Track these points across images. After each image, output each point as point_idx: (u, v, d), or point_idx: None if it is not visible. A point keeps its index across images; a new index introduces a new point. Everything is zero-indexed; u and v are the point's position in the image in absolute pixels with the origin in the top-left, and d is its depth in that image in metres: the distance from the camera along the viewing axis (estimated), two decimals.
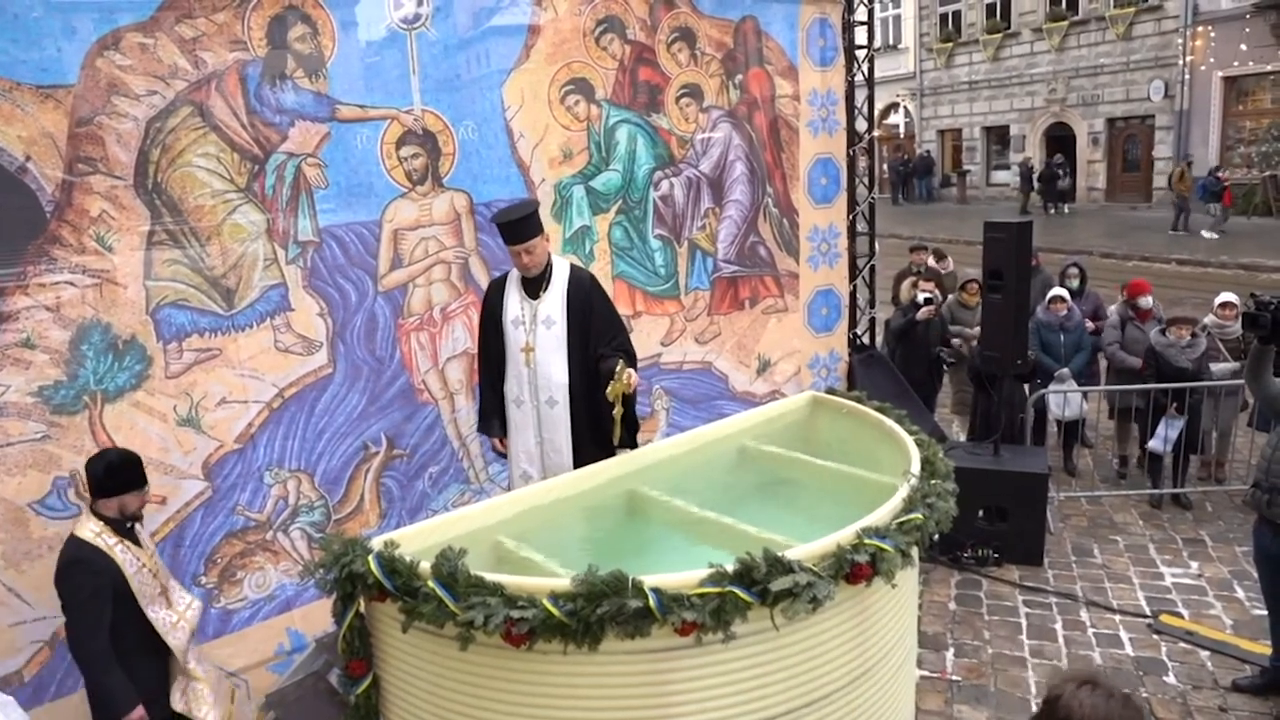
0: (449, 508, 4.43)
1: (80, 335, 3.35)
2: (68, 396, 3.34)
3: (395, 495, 4.31)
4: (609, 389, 3.36)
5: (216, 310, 3.69)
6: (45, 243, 3.26)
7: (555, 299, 3.67)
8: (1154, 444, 5.86)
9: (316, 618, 3.92)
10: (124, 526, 3.00)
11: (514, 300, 3.73)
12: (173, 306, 3.58)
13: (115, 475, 2.96)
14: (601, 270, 4.95)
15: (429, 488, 4.44)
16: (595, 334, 3.67)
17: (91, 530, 2.91)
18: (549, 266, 3.70)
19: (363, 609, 2.61)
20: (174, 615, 3.06)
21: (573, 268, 3.80)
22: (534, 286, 3.69)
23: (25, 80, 3.17)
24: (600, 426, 3.62)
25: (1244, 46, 17.81)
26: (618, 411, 3.41)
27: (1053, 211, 20.75)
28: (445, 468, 4.49)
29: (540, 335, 3.67)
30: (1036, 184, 21.23)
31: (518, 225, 3.57)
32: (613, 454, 3.49)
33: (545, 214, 4.68)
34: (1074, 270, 6.99)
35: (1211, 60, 18.49)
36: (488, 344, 3.84)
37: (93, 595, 2.85)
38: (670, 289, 5.32)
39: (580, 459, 3.67)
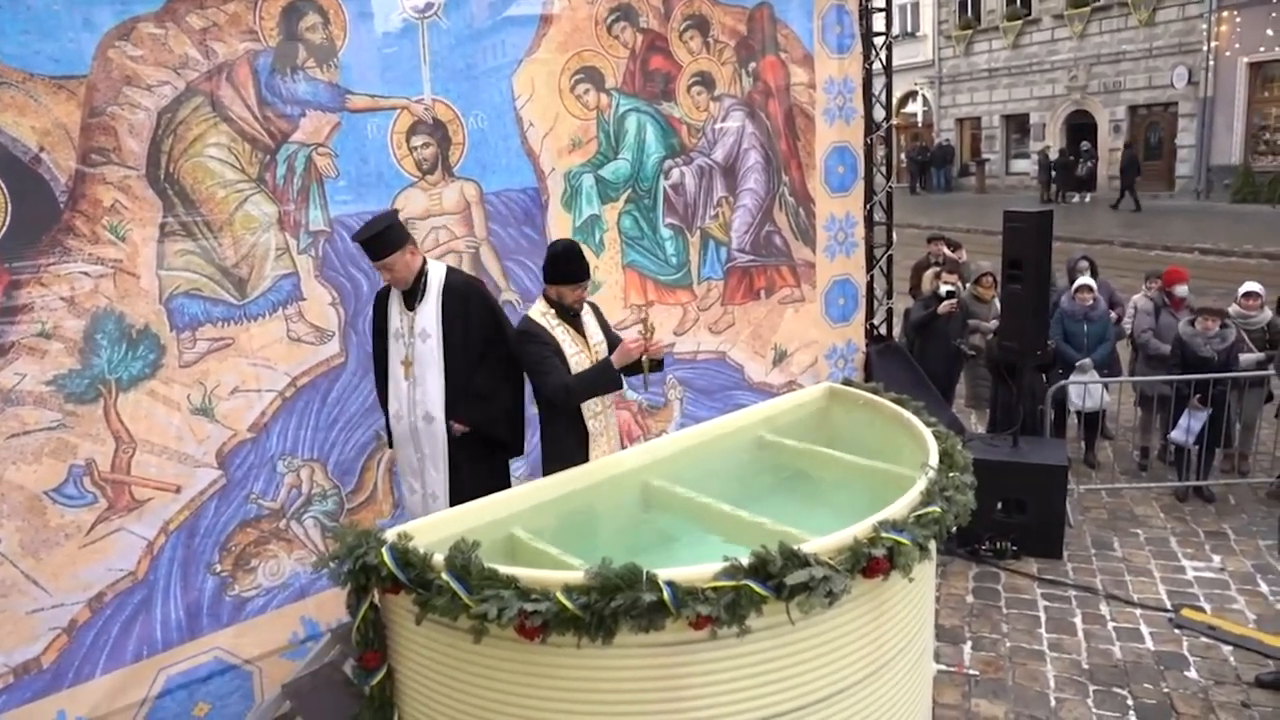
0: None
1: (95, 325, 3.36)
2: (82, 385, 3.35)
3: None
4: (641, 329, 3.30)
5: (229, 300, 3.69)
6: (59, 233, 3.27)
7: (430, 311, 3.49)
8: (1176, 435, 5.77)
9: (330, 606, 3.93)
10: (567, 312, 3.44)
11: (395, 312, 3.58)
12: (186, 296, 3.58)
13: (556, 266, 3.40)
14: (612, 259, 4.91)
15: None
16: (472, 347, 3.49)
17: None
18: (423, 276, 3.52)
19: (377, 601, 2.60)
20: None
21: (449, 275, 3.58)
22: (411, 298, 3.53)
23: (39, 71, 3.17)
24: (482, 446, 3.48)
25: (1270, 32, 17.47)
26: (646, 365, 3.33)
27: (1075, 200, 20.48)
28: None
29: (417, 349, 3.51)
30: (1047, 173, 20.96)
31: (369, 244, 3.40)
32: (498, 479, 3.30)
33: (555, 203, 4.67)
34: (1084, 264, 6.88)
35: (1237, 46, 18.14)
36: (378, 357, 3.72)
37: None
38: (682, 278, 5.27)
39: (457, 479, 3.54)
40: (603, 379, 3.38)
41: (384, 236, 3.40)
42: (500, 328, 3.63)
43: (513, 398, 3.69)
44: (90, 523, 3.39)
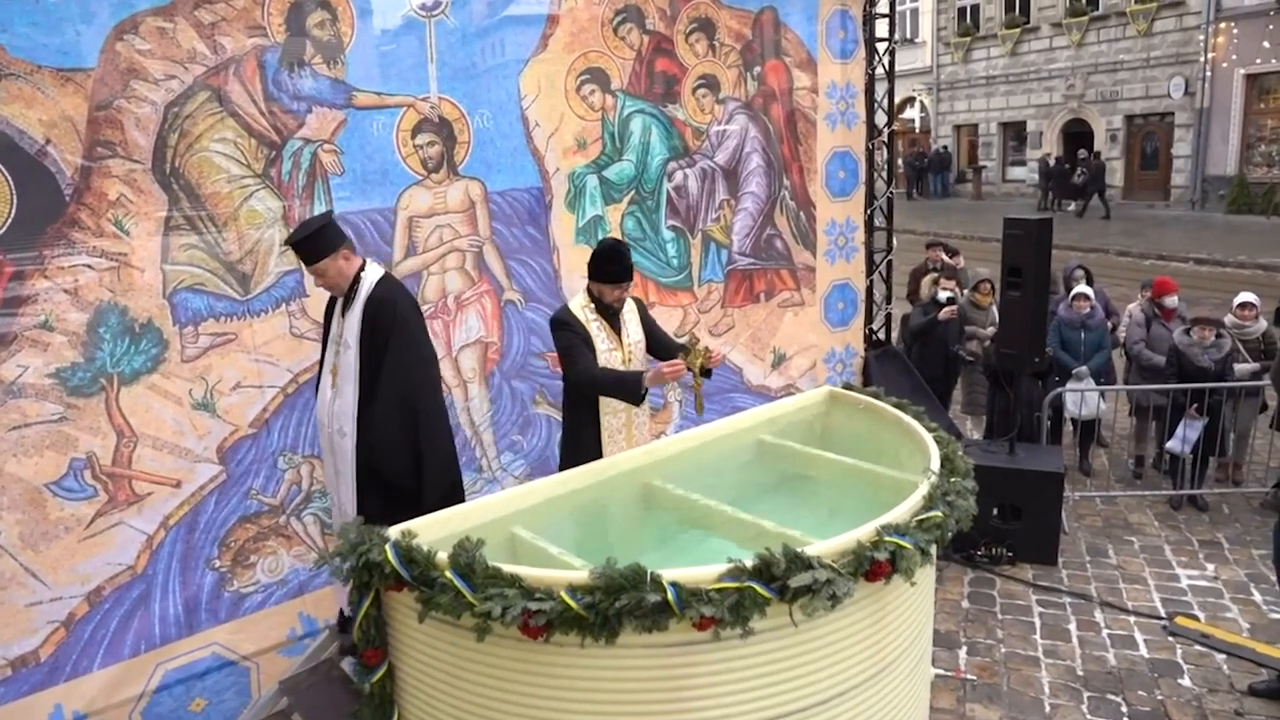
0: None
1: (98, 318, 3.36)
2: (85, 378, 3.35)
3: None
4: (686, 359, 3.27)
5: (232, 295, 3.69)
6: (64, 226, 3.26)
7: (354, 320, 3.27)
8: (1172, 444, 5.80)
9: (328, 603, 3.93)
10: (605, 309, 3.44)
11: (335, 316, 3.40)
12: (189, 291, 3.58)
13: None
14: None
15: None
16: (384, 369, 3.20)
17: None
18: (357, 284, 3.29)
19: (379, 598, 2.60)
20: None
21: (377, 285, 3.29)
22: (345, 304, 3.33)
23: (46, 63, 3.16)
24: (380, 477, 3.19)
25: (1267, 44, 17.58)
26: (695, 381, 3.30)
27: (1070, 209, 20.58)
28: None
29: (341, 358, 3.31)
30: (1047, 180, 21.06)
31: (300, 247, 3.23)
32: (396, 513, 3.00)
33: (559, 203, 4.68)
34: (1080, 273, 6.91)
35: (1234, 57, 18.26)
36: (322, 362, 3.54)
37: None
38: (683, 280, 5.29)
39: (362, 504, 3.29)
40: (625, 388, 3.39)
41: (316, 240, 3.20)
42: (394, 357, 3.22)
43: (402, 437, 3.25)
44: (90, 516, 3.39)
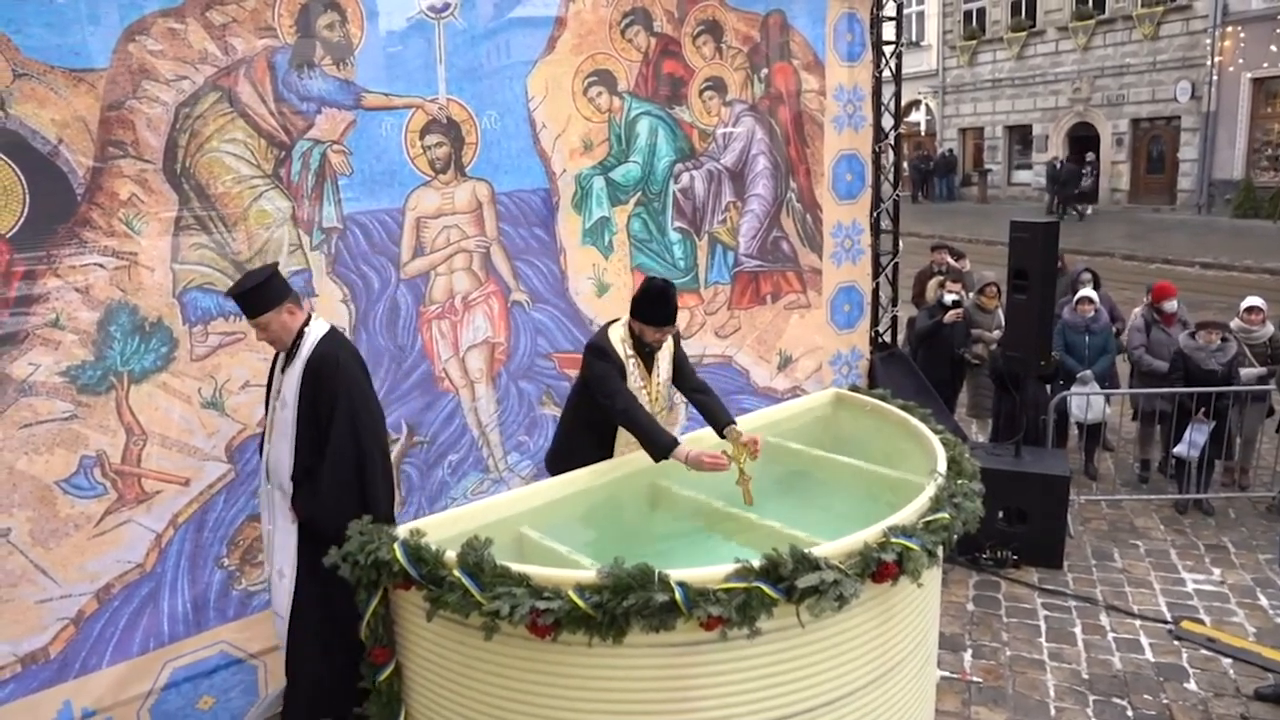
0: (468, 496, 4.44)
1: (108, 317, 3.37)
2: (95, 377, 3.36)
3: (415, 482, 4.32)
4: (731, 452, 3.20)
5: None
6: (75, 225, 3.28)
7: (294, 377, 3.12)
8: (1180, 449, 5.79)
9: None
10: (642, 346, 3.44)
11: (277, 369, 3.26)
12: (199, 290, 3.59)
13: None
14: (620, 262, 4.93)
15: (448, 476, 4.44)
16: (312, 429, 3.08)
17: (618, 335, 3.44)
18: (300, 339, 3.14)
19: (387, 596, 2.61)
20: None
21: (321, 342, 3.12)
22: (288, 358, 3.19)
23: (59, 64, 3.18)
24: (324, 534, 2.97)
25: (1274, 48, 17.54)
26: (743, 478, 3.20)
27: (1074, 214, 20.54)
28: (465, 456, 4.49)
29: (279, 415, 3.17)
30: (1054, 185, 21.03)
31: (241, 300, 3.07)
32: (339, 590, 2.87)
33: (565, 205, 4.69)
34: (1087, 275, 6.91)
35: (1240, 61, 18.22)
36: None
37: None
38: (689, 282, 5.29)
39: (301, 557, 3.15)
40: (656, 443, 3.25)
41: (258, 292, 3.05)
42: (344, 416, 3.08)
43: (351, 498, 3.10)
44: (99, 514, 3.40)
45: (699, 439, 3.51)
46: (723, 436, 3.36)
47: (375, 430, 3.21)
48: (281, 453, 3.16)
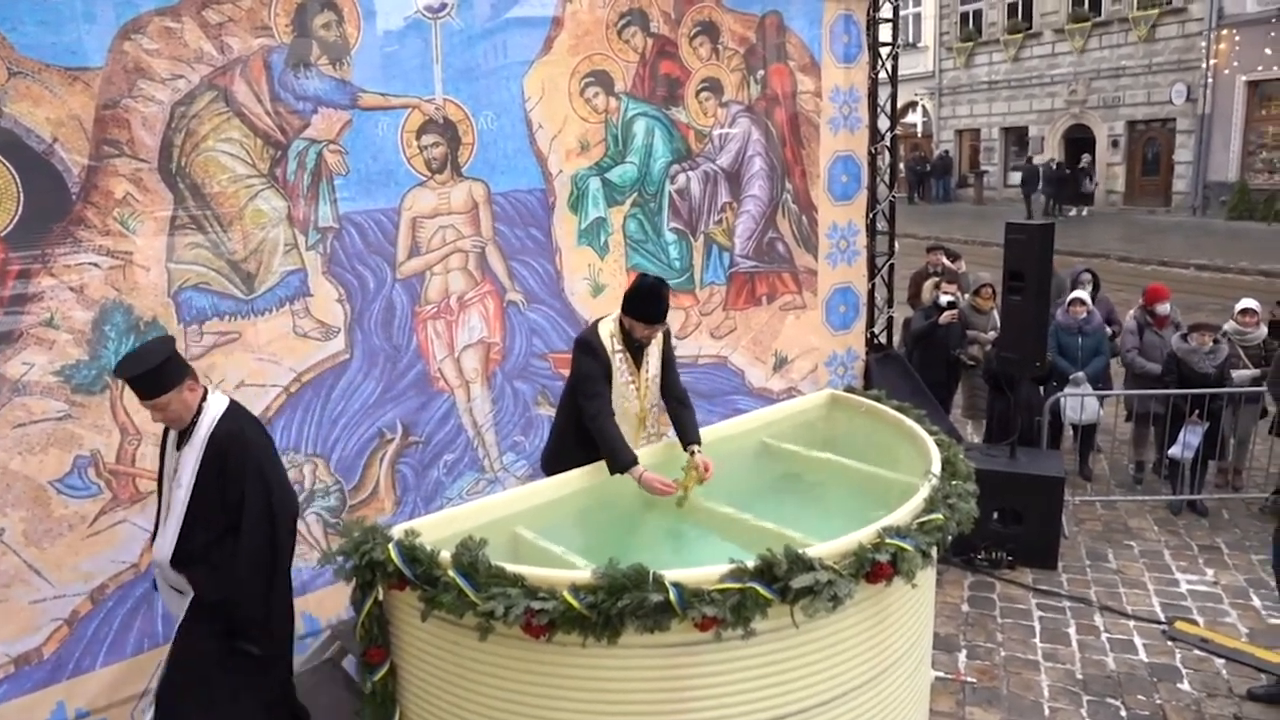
0: (463, 496, 4.44)
1: (103, 316, 3.37)
2: (89, 376, 3.36)
3: (410, 482, 4.32)
4: (683, 473, 3.22)
5: (237, 294, 3.70)
6: (70, 224, 3.28)
7: (191, 458, 2.89)
8: (1175, 450, 5.80)
9: (329, 603, 3.94)
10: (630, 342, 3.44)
11: (170, 445, 3.02)
12: (194, 290, 3.59)
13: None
14: (616, 262, 4.94)
15: (444, 475, 4.44)
16: (215, 512, 2.89)
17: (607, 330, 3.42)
18: (198, 415, 2.92)
19: (381, 597, 2.61)
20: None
21: (221, 420, 2.92)
22: (183, 436, 2.95)
23: (54, 62, 3.18)
24: (229, 616, 2.88)
25: (1269, 51, 17.59)
26: (684, 497, 3.21)
27: (1071, 214, 20.59)
28: (460, 456, 4.49)
29: (173, 495, 2.94)
30: (1045, 186, 21.09)
31: (136, 382, 2.82)
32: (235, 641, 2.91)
33: (561, 205, 4.69)
34: (1087, 276, 6.92)
35: (1235, 64, 18.27)
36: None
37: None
38: (685, 282, 5.30)
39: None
40: (615, 459, 3.26)
41: (158, 374, 2.80)
42: (258, 496, 2.91)
43: (260, 582, 2.95)
44: (94, 514, 3.39)
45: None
46: (685, 450, 3.37)
47: (288, 508, 3.01)
48: (168, 535, 2.92)
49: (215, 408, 2.96)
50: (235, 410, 3.02)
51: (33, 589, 3.28)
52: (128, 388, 3.41)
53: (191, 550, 2.92)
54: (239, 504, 2.89)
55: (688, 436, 3.45)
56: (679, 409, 3.58)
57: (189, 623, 2.96)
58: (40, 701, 3.31)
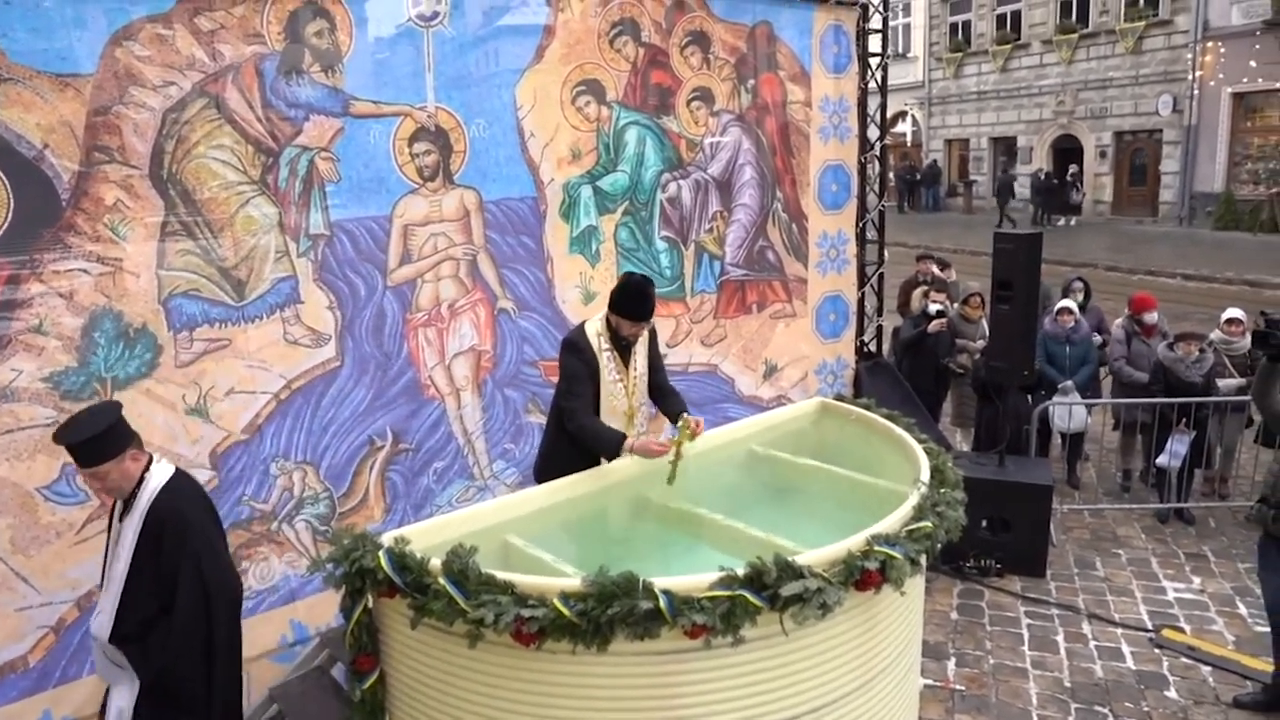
0: (453, 504, 4.43)
1: (92, 323, 3.36)
2: (78, 383, 3.35)
3: (400, 490, 4.32)
4: (677, 434, 3.27)
5: (227, 301, 3.70)
6: (60, 230, 3.27)
7: (130, 531, 2.75)
8: (1162, 459, 5.85)
9: (319, 610, 3.93)
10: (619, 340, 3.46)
11: (114, 520, 2.87)
12: (184, 296, 3.58)
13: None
14: (607, 270, 4.95)
15: (433, 483, 4.44)
16: (148, 589, 2.74)
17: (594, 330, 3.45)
18: (139, 485, 2.76)
19: (370, 604, 2.61)
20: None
21: (161, 493, 2.75)
22: (125, 507, 2.80)
23: (45, 69, 3.17)
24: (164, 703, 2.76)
25: (1254, 63, 17.81)
26: (677, 457, 3.24)
27: (1059, 224, 20.75)
28: (450, 464, 4.49)
29: (112, 568, 2.79)
30: (1034, 195, 21.28)
31: (77, 449, 2.65)
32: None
33: (553, 213, 4.70)
34: (1079, 284, 6.98)
35: (1221, 76, 18.49)
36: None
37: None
38: (676, 291, 5.32)
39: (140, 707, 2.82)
40: (604, 445, 3.34)
41: (99, 442, 2.64)
42: (192, 579, 2.73)
43: (198, 663, 2.80)
44: (81, 521, 3.38)
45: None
46: (675, 424, 3.44)
47: (226, 587, 2.85)
48: (106, 610, 2.78)
49: (157, 478, 2.78)
50: (178, 482, 2.83)
51: (19, 596, 3.26)
52: (116, 393, 3.42)
53: (127, 627, 2.76)
54: (173, 582, 2.72)
55: (675, 409, 3.53)
56: (664, 396, 3.66)
57: (141, 698, 2.80)
58: (26, 710, 3.29)
